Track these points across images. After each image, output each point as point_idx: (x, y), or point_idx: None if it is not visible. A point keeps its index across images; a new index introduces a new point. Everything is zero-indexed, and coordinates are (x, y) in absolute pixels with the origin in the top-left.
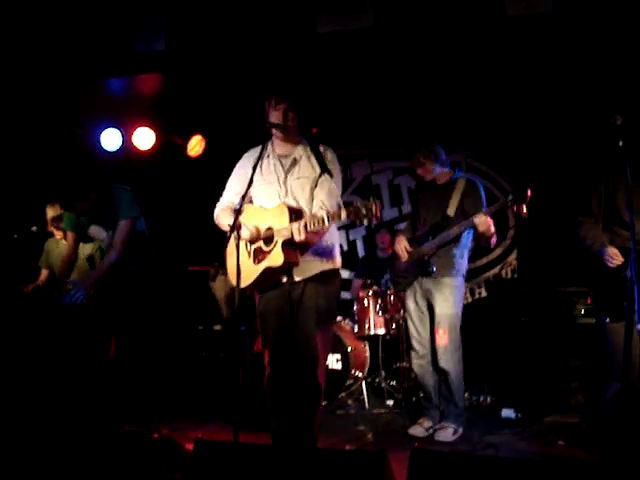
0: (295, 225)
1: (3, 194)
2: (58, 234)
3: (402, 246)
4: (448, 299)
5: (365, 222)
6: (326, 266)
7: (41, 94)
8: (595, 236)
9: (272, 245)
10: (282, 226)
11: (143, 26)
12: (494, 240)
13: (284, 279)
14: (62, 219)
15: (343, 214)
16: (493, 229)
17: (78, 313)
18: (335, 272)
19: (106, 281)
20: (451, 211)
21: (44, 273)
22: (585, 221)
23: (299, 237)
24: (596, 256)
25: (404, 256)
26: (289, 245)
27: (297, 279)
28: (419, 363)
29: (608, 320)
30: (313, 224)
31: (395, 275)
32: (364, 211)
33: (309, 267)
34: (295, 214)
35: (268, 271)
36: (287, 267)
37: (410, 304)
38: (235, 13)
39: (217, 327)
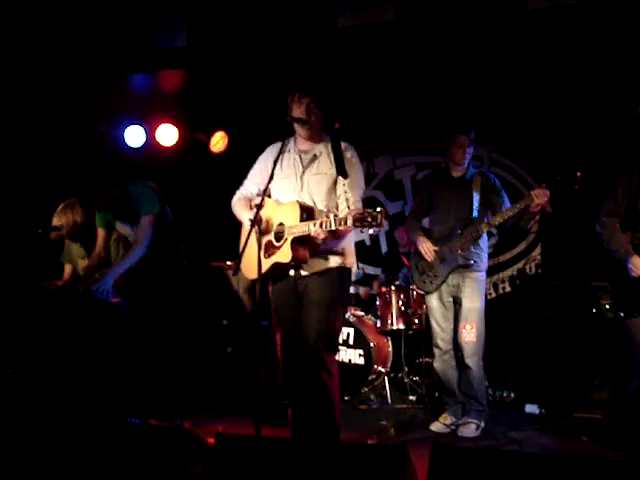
0: (312, 226)
1: (27, 191)
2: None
3: (427, 246)
4: (476, 293)
5: (370, 231)
6: (332, 263)
7: (64, 92)
8: (620, 241)
9: (282, 241)
10: (293, 224)
11: (164, 22)
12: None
13: (292, 272)
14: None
15: (349, 221)
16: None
17: (104, 308)
18: (343, 269)
19: (132, 275)
20: (477, 205)
21: (67, 269)
22: (608, 222)
23: (317, 234)
24: (617, 261)
25: (431, 256)
26: (298, 243)
27: (304, 274)
28: (442, 359)
29: (622, 315)
30: (326, 225)
31: (420, 275)
32: (370, 219)
33: (317, 263)
34: (306, 213)
35: (277, 266)
36: (297, 264)
37: (433, 301)
38: (256, 8)
39: (240, 321)
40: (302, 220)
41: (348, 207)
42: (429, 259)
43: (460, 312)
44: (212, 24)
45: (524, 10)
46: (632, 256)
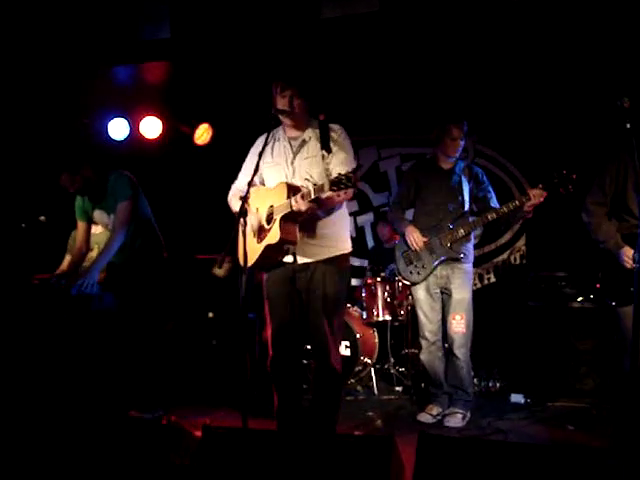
0: (293, 201)
1: (10, 184)
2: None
3: (416, 236)
4: (465, 284)
5: (347, 193)
6: (335, 251)
7: (47, 84)
8: (608, 232)
9: (272, 223)
10: (281, 203)
11: (149, 14)
12: None
13: (287, 259)
14: None
15: (326, 185)
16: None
17: (88, 303)
18: (344, 257)
19: (114, 268)
20: (467, 198)
21: (67, 260)
22: (595, 211)
23: (298, 206)
24: (606, 251)
25: (420, 247)
26: (287, 221)
27: (302, 261)
28: (429, 350)
29: (614, 304)
30: (306, 196)
31: (407, 265)
32: (344, 180)
33: (316, 251)
34: (294, 191)
35: (268, 249)
36: (287, 245)
37: (420, 292)
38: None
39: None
40: (289, 198)
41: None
42: (418, 250)
43: (449, 303)
44: (196, 16)
45: (507, 1)
46: (623, 247)
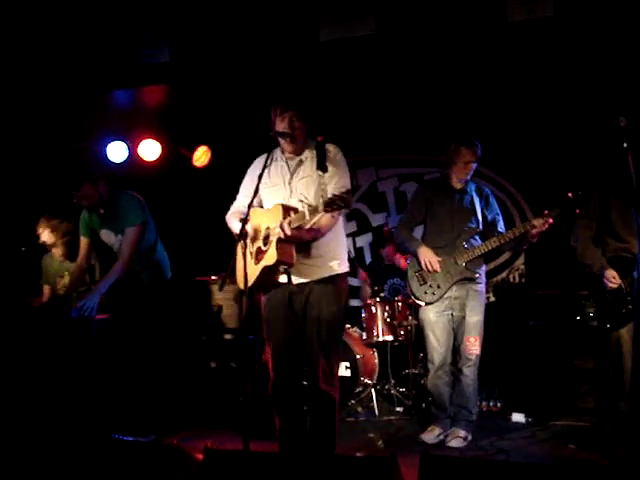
0: (284, 222)
1: (9, 207)
2: (58, 251)
3: (430, 257)
4: (480, 306)
5: (342, 211)
6: (330, 271)
7: (47, 107)
8: (593, 256)
9: (268, 244)
10: (276, 224)
11: (147, 38)
12: None
13: (283, 279)
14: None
15: (320, 206)
16: None
17: (87, 325)
18: (341, 277)
19: (117, 291)
20: (480, 219)
21: (46, 289)
22: (581, 235)
23: (283, 234)
24: (592, 275)
25: (436, 268)
26: (283, 243)
27: (296, 282)
28: (437, 375)
29: (609, 326)
30: (297, 220)
31: (420, 285)
32: (339, 201)
33: (311, 271)
34: (289, 213)
35: (266, 270)
36: (284, 266)
37: (431, 315)
38: (238, 24)
39: (227, 336)
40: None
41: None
42: (436, 270)
43: (463, 324)
44: (195, 39)
45: (504, 23)
46: (606, 270)
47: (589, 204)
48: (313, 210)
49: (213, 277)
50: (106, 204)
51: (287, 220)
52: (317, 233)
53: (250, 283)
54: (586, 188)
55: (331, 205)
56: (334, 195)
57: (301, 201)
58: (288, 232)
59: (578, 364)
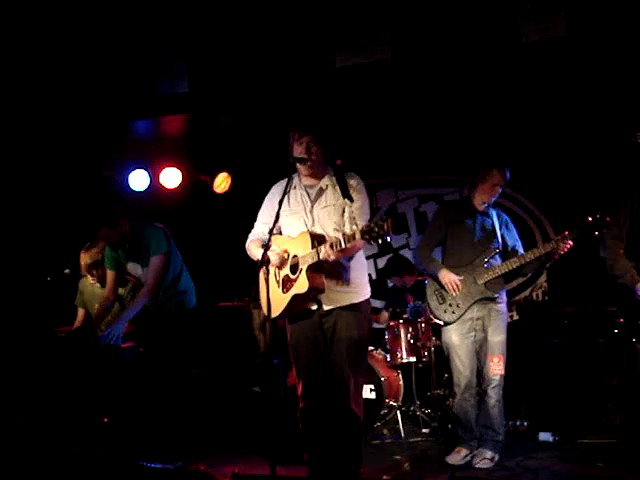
0: (321, 248)
1: (35, 237)
2: (92, 279)
3: (452, 278)
4: (501, 325)
5: (380, 241)
6: (356, 297)
7: (70, 139)
8: (624, 267)
9: (298, 272)
10: (306, 252)
11: (166, 70)
12: None
13: (313, 307)
14: (99, 264)
15: (357, 234)
16: None
17: (114, 354)
18: (366, 302)
19: (143, 319)
20: (501, 240)
21: (81, 312)
22: (611, 246)
23: (326, 256)
24: (623, 286)
25: (456, 290)
26: (314, 271)
27: (326, 308)
28: (463, 398)
29: (635, 340)
30: (335, 245)
31: (440, 304)
32: (377, 229)
33: (340, 297)
34: (317, 240)
35: (296, 299)
36: (315, 294)
37: (454, 338)
38: (255, 53)
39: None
40: (314, 247)
41: (356, 225)
42: (456, 292)
43: (486, 345)
44: (213, 69)
45: (518, 44)
46: (639, 282)
47: (619, 214)
48: (350, 238)
49: (236, 303)
50: (131, 240)
51: (327, 245)
52: (351, 255)
53: (279, 311)
54: (606, 208)
55: (369, 233)
56: (373, 223)
57: (335, 229)
58: (333, 256)
59: (604, 381)
